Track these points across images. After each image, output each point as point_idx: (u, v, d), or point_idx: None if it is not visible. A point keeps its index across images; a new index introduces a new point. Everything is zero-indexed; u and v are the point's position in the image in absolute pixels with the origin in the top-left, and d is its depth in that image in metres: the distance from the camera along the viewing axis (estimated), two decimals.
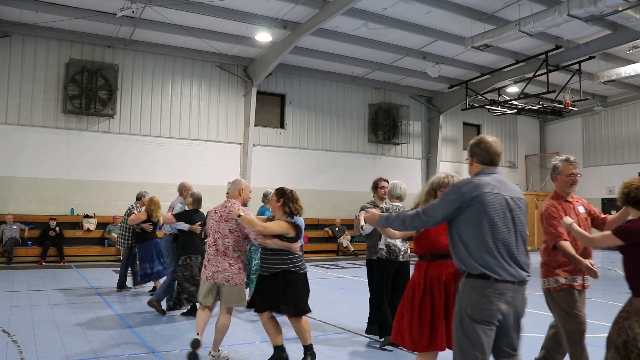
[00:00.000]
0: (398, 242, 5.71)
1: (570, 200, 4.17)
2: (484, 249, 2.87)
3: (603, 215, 4.29)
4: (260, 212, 7.63)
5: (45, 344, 5.45)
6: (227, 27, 13.97)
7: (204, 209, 7.22)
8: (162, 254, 8.15)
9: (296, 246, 4.78)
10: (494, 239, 2.87)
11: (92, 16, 12.83)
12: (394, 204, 5.80)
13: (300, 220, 4.95)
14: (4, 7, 12.46)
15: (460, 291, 2.98)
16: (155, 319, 6.86)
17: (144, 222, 8.37)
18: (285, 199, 4.86)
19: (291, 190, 4.93)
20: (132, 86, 15.16)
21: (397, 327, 3.63)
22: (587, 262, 3.79)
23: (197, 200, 7.16)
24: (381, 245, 5.76)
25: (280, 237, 4.72)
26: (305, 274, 4.85)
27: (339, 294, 9.35)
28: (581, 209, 4.19)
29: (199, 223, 6.98)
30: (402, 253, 5.75)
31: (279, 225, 4.76)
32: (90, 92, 14.33)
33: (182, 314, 7.09)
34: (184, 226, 6.93)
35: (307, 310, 4.75)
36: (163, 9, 12.42)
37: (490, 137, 3.18)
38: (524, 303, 3.02)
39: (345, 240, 16.82)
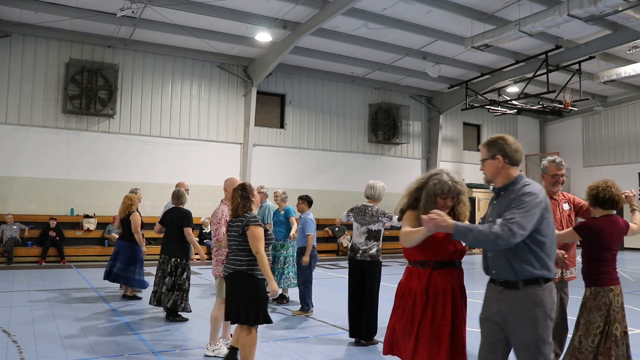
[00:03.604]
0: (361, 240, 5.76)
1: (556, 198, 4.45)
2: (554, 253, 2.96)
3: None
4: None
5: (45, 344, 5.45)
6: (227, 27, 13.97)
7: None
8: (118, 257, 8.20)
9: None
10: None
11: (92, 16, 12.83)
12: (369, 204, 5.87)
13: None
14: (4, 7, 12.46)
15: (540, 297, 2.83)
16: (155, 319, 6.86)
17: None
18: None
19: (241, 185, 4.62)
20: (132, 86, 15.16)
21: (391, 339, 3.27)
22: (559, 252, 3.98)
23: (174, 197, 6.87)
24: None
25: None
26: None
27: (339, 294, 9.34)
28: (565, 206, 4.45)
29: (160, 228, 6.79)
30: (361, 252, 5.77)
31: None
32: (90, 92, 14.32)
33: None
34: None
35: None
36: (163, 9, 12.41)
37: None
38: None
39: (345, 240, 16.82)
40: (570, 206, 4.47)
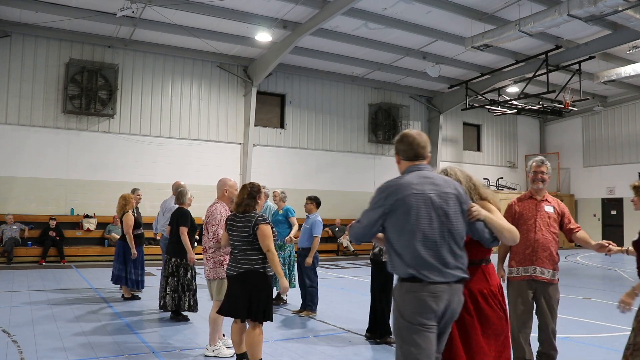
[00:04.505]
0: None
1: (537, 197, 4.43)
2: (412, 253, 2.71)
3: (574, 226, 4.39)
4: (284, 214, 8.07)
5: (45, 344, 5.45)
6: (227, 27, 13.97)
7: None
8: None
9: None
10: (423, 241, 2.70)
11: (92, 16, 12.83)
12: None
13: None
14: (4, 7, 12.46)
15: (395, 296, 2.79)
16: (155, 319, 6.86)
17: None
18: None
19: (251, 183, 4.68)
20: (132, 86, 15.16)
21: None
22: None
23: (176, 197, 6.96)
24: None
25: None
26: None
27: (339, 294, 9.36)
28: (548, 209, 4.36)
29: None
30: (371, 250, 5.93)
31: None
32: (90, 92, 14.32)
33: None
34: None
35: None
36: (163, 9, 12.41)
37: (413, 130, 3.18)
38: (459, 304, 2.80)
39: (345, 240, 16.81)
40: (555, 212, 4.36)
